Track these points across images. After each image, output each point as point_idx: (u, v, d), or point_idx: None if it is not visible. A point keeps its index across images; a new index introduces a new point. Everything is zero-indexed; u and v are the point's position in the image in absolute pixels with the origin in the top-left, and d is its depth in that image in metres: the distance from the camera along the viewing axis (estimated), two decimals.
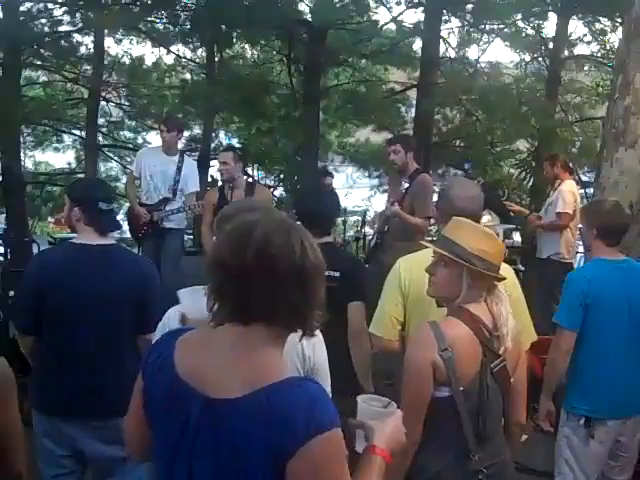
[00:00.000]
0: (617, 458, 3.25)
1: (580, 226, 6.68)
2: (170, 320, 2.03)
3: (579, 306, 3.13)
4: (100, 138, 13.92)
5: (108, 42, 13.18)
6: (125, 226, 6.23)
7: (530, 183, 12.55)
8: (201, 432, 1.39)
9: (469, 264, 2.16)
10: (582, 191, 11.78)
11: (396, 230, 5.28)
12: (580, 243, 5.92)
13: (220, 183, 6.19)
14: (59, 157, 17.59)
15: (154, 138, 14.33)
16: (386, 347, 2.79)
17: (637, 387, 3.14)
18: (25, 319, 2.89)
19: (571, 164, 12.36)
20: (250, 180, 5.92)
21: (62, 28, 11.96)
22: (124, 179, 13.68)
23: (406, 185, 5.34)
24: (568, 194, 6.43)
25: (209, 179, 11.65)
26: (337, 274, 3.02)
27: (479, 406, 2.10)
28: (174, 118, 7.66)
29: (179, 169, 6.10)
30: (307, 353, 2.01)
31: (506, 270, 2.45)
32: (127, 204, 7.14)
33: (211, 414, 1.38)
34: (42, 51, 11.82)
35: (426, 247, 2.48)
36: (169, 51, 13.51)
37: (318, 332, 2.03)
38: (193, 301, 1.66)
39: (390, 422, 1.62)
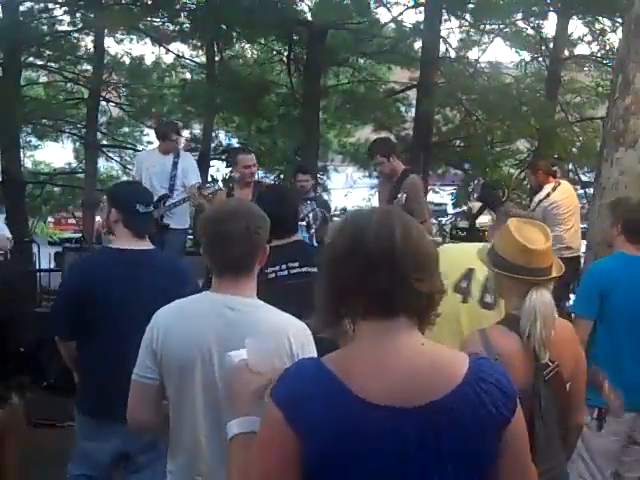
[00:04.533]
0: (631, 452, 3.23)
1: (582, 226, 6.69)
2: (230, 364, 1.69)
3: (595, 296, 3.14)
4: (100, 137, 13.93)
5: (108, 42, 13.21)
6: None
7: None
8: (428, 444, 1.29)
9: (491, 264, 2.13)
10: (582, 191, 11.81)
11: None
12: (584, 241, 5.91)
13: (221, 184, 6.20)
14: (59, 157, 17.61)
15: (155, 137, 14.32)
16: None
17: None
18: (61, 326, 2.93)
19: (571, 164, 12.44)
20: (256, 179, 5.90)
21: (62, 28, 12.01)
22: (124, 179, 13.68)
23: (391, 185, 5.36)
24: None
25: (209, 179, 11.65)
26: (315, 269, 3.01)
27: (532, 414, 2.03)
28: (174, 123, 7.71)
29: (175, 164, 6.11)
30: (296, 351, 2.01)
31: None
32: None
33: (432, 421, 1.29)
34: (42, 51, 11.83)
35: None
36: (169, 51, 13.53)
37: (308, 330, 2.02)
38: (259, 351, 1.55)
39: None
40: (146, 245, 2.89)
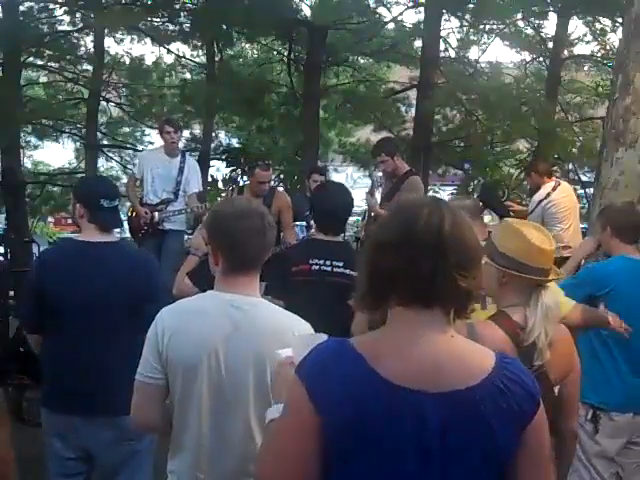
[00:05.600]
0: (629, 454, 3.21)
1: (581, 226, 6.67)
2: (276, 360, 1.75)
3: (584, 290, 3.13)
4: (100, 137, 13.93)
5: (108, 42, 13.22)
6: (125, 225, 6.23)
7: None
8: (449, 429, 1.30)
9: (491, 260, 2.10)
10: (582, 191, 11.80)
11: None
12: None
13: (221, 184, 6.19)
14: (59, 157, 17.59)
15: (155, 138, 14.33)
16: None
17: None
18: (28, 319, 2.93)
19: (571, 164, 12.43)
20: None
21: (62, 28, 12.01)
22: (124, 178, 13.68)
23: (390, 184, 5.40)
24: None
25: (209, 179, 11.66)
26: (355, 273, 3.05)
27: None
28: (172, 118, 7.68)
29: (181, 170, 6.09)
30: None
31: None
32: (128, 204, 7.16)
33: (454, 407, 1.31)
34: (42, 51, 11.83)
35: None
36: (169, 51, 13.53)
37: (310, 327, 2.01)
38: (303, 347, 1.51)
39: None
40: (111, 238, 2.89)
